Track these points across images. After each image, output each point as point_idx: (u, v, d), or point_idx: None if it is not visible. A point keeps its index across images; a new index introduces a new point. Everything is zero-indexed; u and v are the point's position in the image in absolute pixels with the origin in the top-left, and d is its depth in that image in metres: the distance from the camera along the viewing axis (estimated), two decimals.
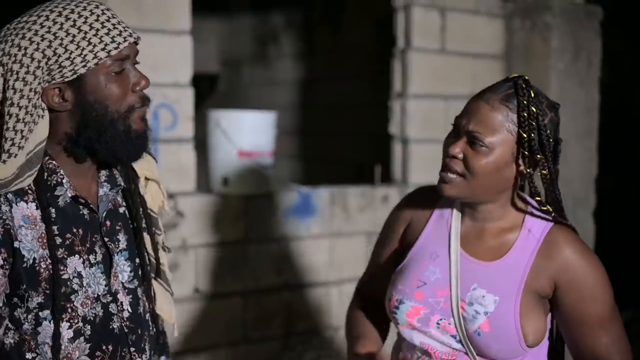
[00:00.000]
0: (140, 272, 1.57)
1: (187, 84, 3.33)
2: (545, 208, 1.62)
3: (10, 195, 1.36)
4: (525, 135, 1.54)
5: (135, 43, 1.42)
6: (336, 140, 5.81)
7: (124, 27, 1.39)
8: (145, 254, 1.60)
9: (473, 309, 1.58)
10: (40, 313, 1.36)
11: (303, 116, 6.22)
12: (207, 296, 3.45)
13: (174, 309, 1.72)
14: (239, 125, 3.55)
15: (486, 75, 4.18)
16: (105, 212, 1.49)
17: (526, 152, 1.55)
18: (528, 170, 1.57)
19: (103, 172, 1.52)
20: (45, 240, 1.37)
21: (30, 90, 1.32)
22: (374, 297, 1.87)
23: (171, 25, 3.27)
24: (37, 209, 1.38)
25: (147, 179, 1.66)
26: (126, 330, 1.49)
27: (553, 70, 4.07)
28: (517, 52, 4.25)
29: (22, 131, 1.33)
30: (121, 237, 1.53)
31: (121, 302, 1.49)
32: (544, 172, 1.58)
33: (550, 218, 1.62)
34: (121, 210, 1.55)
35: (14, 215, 1.35)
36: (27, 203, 1.37)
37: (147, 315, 1.59)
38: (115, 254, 1.50)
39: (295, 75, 6.32)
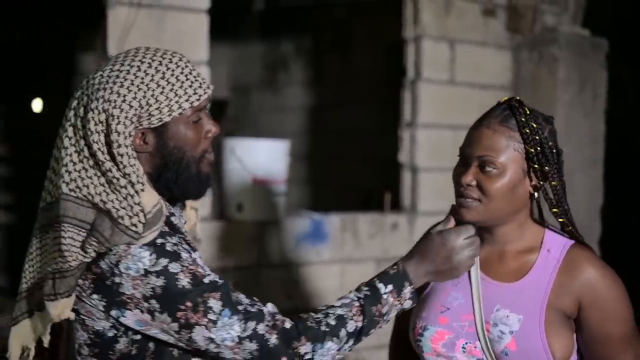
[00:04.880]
0: None
1: None
2: (562, 220, 1.66)
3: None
4: (532, 150, 1.59)
5: None
6: (344, 166, 5.88)
7: (202, 79, 1.51)
8: None
9: (498, 330, 1.62)
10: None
11: (311, 142, 6.30)
12: None
13: None
14: (254, 153, 3.64)
15: None
16: None
17: (536, 166, 1.60)
18: (540, 182, 1.62)
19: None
20: None
21: (129, 133, 1.42)
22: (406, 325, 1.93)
23: (189, 56, 3.33)
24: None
25: (191, 207, 1.79)
26: None
27: (559, 102, 4.15)
28: (525, 84, 4.33)
29: (136, 165, 1.42)
30: None
31: None
32: (554, 183, 1.63)
33: (568, 236, 1.67)
34: None
35: None
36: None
37: None
38: None
39: (304, 102, 6.41)
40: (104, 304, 1.41)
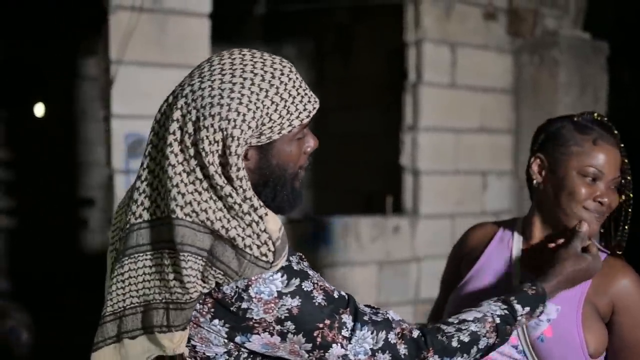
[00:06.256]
0: None
1: None
2: (624, 242, 1.77)
3: None
4: (627, 161, 1.71)
5: None
6: (346, 170, 5.89)
7: (310, 93, 1.39)
8: None
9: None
10: None
11: None
12: None
13: None
14: None
15: (495, 109, 4.27)
16: None
17: (629, 178, 1.72)
18: (631, 195, 1.73)
19: None
20: None
21: (241, 155, 1.31)
22: None
23: (192, 61, 3.35)
24: None
25: None
26: None
27: (560, 105, 4.16)
28: (526, 87, 4.34)
29: (252, 188, 1.32)
30: None
31: None
32: (631, 195, 1.73)
33: (609, 251, 1.76)
34: None
35: None
36: None
37: None
38: None
39: None
40: (226, 329, 1.33)
